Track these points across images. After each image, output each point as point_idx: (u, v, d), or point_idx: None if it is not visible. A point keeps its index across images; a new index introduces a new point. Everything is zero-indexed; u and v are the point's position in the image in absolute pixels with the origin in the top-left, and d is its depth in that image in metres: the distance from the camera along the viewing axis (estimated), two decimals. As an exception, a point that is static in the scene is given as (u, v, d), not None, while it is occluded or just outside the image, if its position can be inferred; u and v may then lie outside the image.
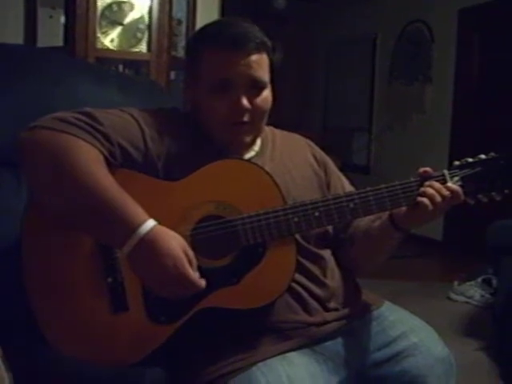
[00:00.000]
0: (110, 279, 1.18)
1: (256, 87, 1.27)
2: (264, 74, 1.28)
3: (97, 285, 1.17)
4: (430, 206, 1.22)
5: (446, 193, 1.23)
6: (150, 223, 1.11)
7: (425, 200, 1.22)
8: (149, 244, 1.09)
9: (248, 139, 1.31)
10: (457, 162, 1.28)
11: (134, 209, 1.11)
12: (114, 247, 1.15)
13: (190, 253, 1.13)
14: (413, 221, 1.27)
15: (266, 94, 1.30)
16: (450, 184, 1.24)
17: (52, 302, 1.20)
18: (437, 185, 1.24)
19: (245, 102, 1.25)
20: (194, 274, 1.12)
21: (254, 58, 1.25)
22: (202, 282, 1.13)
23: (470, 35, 5.06)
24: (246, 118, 1.27)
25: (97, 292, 1.17)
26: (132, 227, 1.09)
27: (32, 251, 1.21)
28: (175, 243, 1.11)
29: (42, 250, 1.21)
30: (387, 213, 1.29)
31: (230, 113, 1.26)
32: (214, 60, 1.26)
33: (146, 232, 1.09)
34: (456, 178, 1.26)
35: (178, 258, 1.10)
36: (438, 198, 1.22)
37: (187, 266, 1.11)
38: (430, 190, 1.23)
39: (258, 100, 1.28)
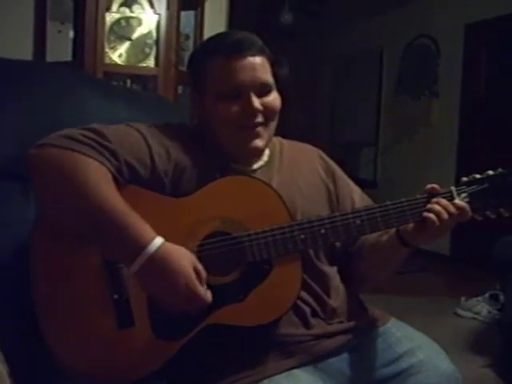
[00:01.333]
0: (115, 296, 1.18)
1: (264, 89, 1.29)
2: (269, 76, 1.31)
3: (103, 301, 1.18)
4: (437, 223, 1.22)
5: (453, 210, 1.23)
6: (158, 241, 1.11)
7: (431, 216, 1.22)
8: (158, 262, 1.10)
9: (261, 144, 1.31)
10: (464, 179, 1.28)
11: (142, 227, 1.12)
12: (123, 264, 1.16)
13: (200, 267, 1.14)
14: (420, 237, 1.27)
15: (275, 95, 1.32)
16: (457, 201, 1.24)
17: (58, 317, 1.20)
18: (444, 201, 1.23)
19: (256, 103, 1.27)
20: (203, 290, 1.12)
21: (258, 60, 1.28)
22: (209, 297, 1.13)
23: (476, 50, 5.06)
24: (258, 119, 1.28)
25: (103, 308, 1.18)
26: (140, 246, 1.10)
27: (39, 265, 1.21)
28: (184, 260, 1.12)
29: (49, 265, 1.21)
30: (395, 228, 1.29)
31: (243, 116, 1.27)
32: (219, 67, 1.28)
33: (154, 250, 1.10)
34: (464, 195, 1.25)
35: (187, 276, 1.11)
36: (445, 215, 1.22)
37: (197, 283, 1.12)
38: (437, 207, 1.23)
39: (268, 100, 1.30)
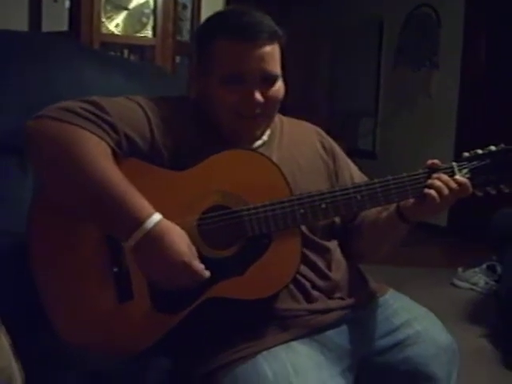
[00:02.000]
0: (115, 269, 1.18)
1: (269, 80, 1.26)
2: (276, 65, 1.27)
3: (103, 274, 1.18)
4: (438, 199, 1.22)
5: (454, 185, 1.22)
6: (156, 217, 1.11)
7: (432, 192, 1.22)
8: (154, 238, 1.10)
9: (258, 132, 1.31)
10: (466, 154, 1.27)
11: (141, 203, 1.12)
12: (119, 239, 1.16)
13: (194, 249, 1.14)
14: (420, 212, 1.27)
15: (279, 85, 1.29)
16: (458, 176, 1.23)
17: (58, 290, 1.21)
18: (444, 177, 1.23)
19: (258, 96, 1.24)
20: (200, 266, 1.13)
21: (267, 49, 1.24)
22: (206, 273, 1.14)
23: (477, 20, 5.01)
24: (258, 111, 1.26)
25: (102, 281, 1.18)
26: (138, 221, 1.10)
27: (39, 239, 1.21)
28: (180, 238, 1.13)
29: (49, 239, 1.21)
30: (395, 204, 1.29)
31: (242, 106, 1.25)
32: (226, 51, 1.24)
33: (151, 226, 1.10)
34: (465, 171, 1.25)
35: (183, 253, 1.11)
36: (446, 191, 1.22)
37: (193, 258, 1.12)
38: (438, 183, 1.22)
39: (271, 92, 1.27)
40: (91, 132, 1.16)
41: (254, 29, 1.23)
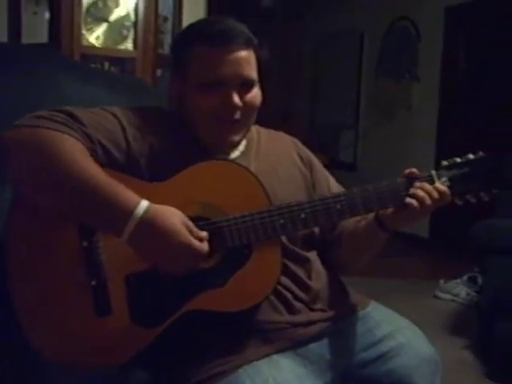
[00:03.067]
0: (93, 282, 1.16)
1: (246, 85, 1.27)
2: (253, 71, 1.28)
3: (81, 287, 1.16)
4: (418, 208, 1.22)
5: (436, 195, 1.22)
6: (144, 204, 1.11)
7: (414, 202, 1.22)
8: (147, 224, 1.10)
9: (237, 138, 1.31)
10: (445, 162, 1.27)
11: (125, 193, 1.11)
12: (112, 234, 1.14)
13: (190, 223, 1.14)
14: (399, 220, 1.27)
15: (256, 91, 1.30)
16: (437, 184, 1.24)
17: (36, 304, 1.18)
18: (427, 186, 1.23)
19: (236, 99, 1.24)
20: (198, 242, 1.13)
21: (242, 54, 1.25)
22: (205, 247, 1.14)
23: (456, 33, 5.08)
24: (237, 116, 1.26)
25: (81, 294, 1.16)
26: (128, 211, 1.10)
27: (16, 251, 1.19)
28: (173, 218, 1.12)
29: (26, 250, 1.19)
30: (373, 213, 1.29)
31: (221, 110, 1.25)
32: (202, 57, 1.25)
33: (142, 214, 1.10)
34: (444, 179, 1.25)
35: (179, 232, 1.11)
36: (428, 201, 1.22)
37: (189, 236, 1.12)
38: (421, 193, 1.22)
39: (249, 97, 1.27)
40: (67, 134, 1.15)
41: (228, 34, 1.24)
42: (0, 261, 1.18)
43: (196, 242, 1.12)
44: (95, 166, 1.14)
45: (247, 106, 1.27)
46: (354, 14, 6.37)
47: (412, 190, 1.23)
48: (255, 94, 1.29)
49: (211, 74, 1.24)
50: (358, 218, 1.32)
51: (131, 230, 1.10)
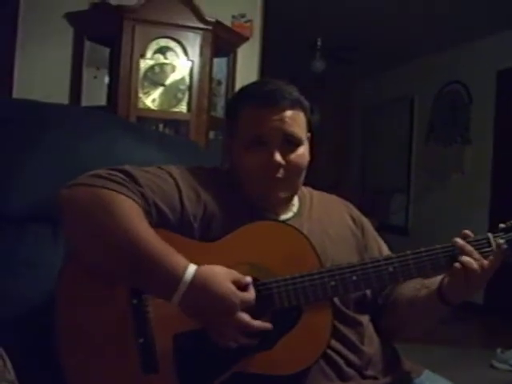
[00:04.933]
0: (141, 340, 1.16)
1: (290, 143, 1.27)
2: (299, 130, 1.28)
3: (128, 345, 1.16)
4: (466, 273, 1.16)
5: (485, 262, 1.18)
6: (191, 269, 1.11)
7: (458, 265, 1.17)
8: (197, 289, 1.10)
9: (283, 195, 1.30)
10: (502, 225, 1.23)
11: (175, 258, 1.12)
12: (162, 299, 1.14)
13: (238, 275, 1.13)
14: (456, 289, 1.21)
15: (302, 150, 1.30)
16: (493, 247, 1.19)
17: (82, 359, 1.18)
18: (476, 254, 1.18)
19: (278, 157, 1.25)
20: (246, 294, 1.12)
21: (288, 113, 1.26)
22: (252, 294, 1.13)
23: (509, 96, 5.04)
24: (279, 174, 1.26)
25: (128, 352, 1.16)
26: (176, 277, 1.10)
27: (66, 306, 1.20)
28: (220, 277, 1.11)
29: (76, 305, 1.20)
30: (436, 284, 1.24)
31: (264, 168, 1.26)
32: (249, 117, 1.28)
33: (191, 279, 1.10)
34: (502, 241, 1.20)
35: (228, 290, 1.10)
36: (474, 265, 1.17)
37: (237, 291, 1.11)
38: (467, 258, 1.17)
39: (293, 156, 1.28)
40: (125, 195, 1.17)
41: (275, 95, 1.26)
42: (51, 315, 1.20)
43: (245, 294, 1.11)
44: (149, 229, 1.15)
45: (291, 165, 1.27)
46: (405, 78, 6.42)
47: (460, 257, 1.18)
48: (301, 153, 1.29)
49: (255, 131, 1.26)
50: (417, 285, 1.29)
51: (181, 296, 1.10)
